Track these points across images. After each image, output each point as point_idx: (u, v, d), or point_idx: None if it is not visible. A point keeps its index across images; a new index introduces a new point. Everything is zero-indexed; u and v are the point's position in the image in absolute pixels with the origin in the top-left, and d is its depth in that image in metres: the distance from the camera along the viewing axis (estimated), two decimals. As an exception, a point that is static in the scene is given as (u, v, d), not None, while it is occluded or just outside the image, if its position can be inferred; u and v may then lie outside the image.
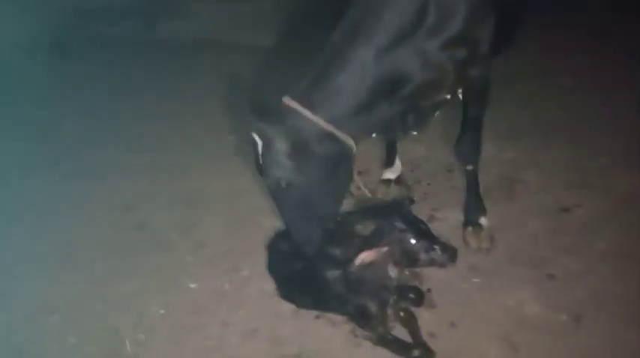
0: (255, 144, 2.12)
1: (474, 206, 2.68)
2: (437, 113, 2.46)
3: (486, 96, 2.39)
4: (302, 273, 2.34)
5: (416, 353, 2.11)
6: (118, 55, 5.47)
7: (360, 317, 2.19)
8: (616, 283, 2.33)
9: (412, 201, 2.86)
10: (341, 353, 2.18)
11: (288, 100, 2.08)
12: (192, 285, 2.58)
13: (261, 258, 2.59)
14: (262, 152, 2.09)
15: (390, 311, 2.23)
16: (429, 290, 2.40)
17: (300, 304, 2.37)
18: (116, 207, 3.16)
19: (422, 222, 2.34)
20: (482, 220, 2.65)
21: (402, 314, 2.25)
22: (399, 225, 2.25)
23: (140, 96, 4.58)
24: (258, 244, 2.66)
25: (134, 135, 3.97)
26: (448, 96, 2.33)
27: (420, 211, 2.82)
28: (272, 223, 2.74)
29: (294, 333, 2.28)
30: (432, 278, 2.44)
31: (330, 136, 2.09)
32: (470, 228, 2.64)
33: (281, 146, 2.05)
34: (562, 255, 2.52)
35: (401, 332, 2.19)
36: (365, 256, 2.14)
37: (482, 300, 2.35)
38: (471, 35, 2.15)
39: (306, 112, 2.05)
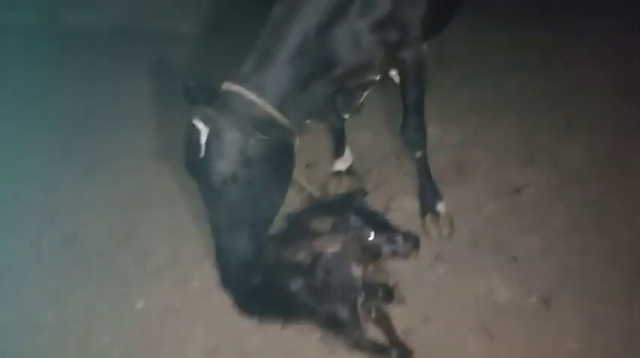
0: (195, 134, 1.84)
1: (428, 193, 2.63)
2: (365, 94, 2.48)
3: (422, 79, 2.34)
4: (261, 285, 2.13)
5: (394, 353, 2.01)
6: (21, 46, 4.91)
7: (332, 325, 2.06)
8: (577, 258, 2.36)
9: (365, 193, 2.77)
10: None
11: (230, 85, 1.89)
12: (139, 305, 2.32)
13: (213, 267, 2.36)
14: (208, 142, 1.83)
15: (361, 313, 2.10)
16: (396, 284, 2.30)
17: (262, 318, 2.18)
18: (41, 221, 2.78)
19: (378, 213, 2.22)
20: (439, 206, 2.61)
21: (373, 314, 2.13)
22: (355, 220, 2.11)
23: (55, 95, 4.12)
24: (207, 252, 2.43)
25: (51, 139, 3.56)
26: (377, 78, 2.29)
27: (375, 202, 2.74)
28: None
29: (261, 346, 2.12)
30: (398, 271, 2.33)
31: (276, 123, 1.93)
32: (428, 216, 2.58)
33: (232, 134, 1.83)
34: (521, 235, 2.51)
35: (375, 333, 2.09)
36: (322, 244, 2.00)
37: (451, 290, 2.29)
38: (401, 17, 2.10)
39: (252, 96, 1.87)
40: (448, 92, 3.66)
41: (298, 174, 2.25)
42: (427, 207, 2.61)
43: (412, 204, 2.73)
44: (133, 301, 2.33)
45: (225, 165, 1.84)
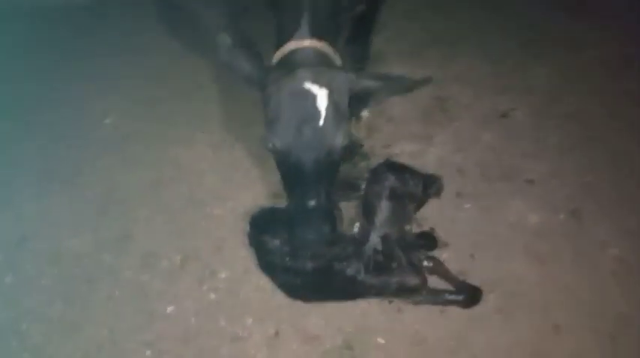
0: (309, 100, 1.72)
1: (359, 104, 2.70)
2: None
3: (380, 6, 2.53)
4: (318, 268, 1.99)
5: (464, 296, 2.00)
6: None
7: (402, 291, 1.98)
8: (587, 169, 2.47)
9: (361, 145, 2.70)
10: (385, 325, 1.98)
11: (300, 42, 1.85)
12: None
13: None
14: (329, 106, 1.73)
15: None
16: (433, 230, 2.27)
17: (320, 299, 2.05)
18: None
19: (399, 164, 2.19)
20: (364, 113, 2.79)
21: (427, 264, 2.09)
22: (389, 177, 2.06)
23: None
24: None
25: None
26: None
27: (375, 151, 2.67)
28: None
29: (322, 323, 2.03)
30: (428, 218, 2.32)
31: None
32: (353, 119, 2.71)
33: (345, 93, 1.80)
34: (526, 158, 2.59)
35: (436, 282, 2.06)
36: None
37: (484, 223, 2.32)
38: None
39: (327, 49, 1.88)
40: (404, 25, 3.55)
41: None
42: (355, 113, 2.72)
43: (410, 147, 2.68)
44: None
45: (345, 128, 1.77)
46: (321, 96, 1.73)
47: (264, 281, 2.16)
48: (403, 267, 1.93)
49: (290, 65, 1.79)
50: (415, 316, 2.01)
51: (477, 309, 2.01)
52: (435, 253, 2.17)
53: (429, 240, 2.21)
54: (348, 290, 1.98)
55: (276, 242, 2.04)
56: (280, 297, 2.10)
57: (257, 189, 2.56)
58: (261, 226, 2.17)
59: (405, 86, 1.94)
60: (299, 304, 2.07)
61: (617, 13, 3.33)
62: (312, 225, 1.77)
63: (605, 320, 1.96)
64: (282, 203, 2.19)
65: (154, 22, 3.71)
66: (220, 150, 2.81)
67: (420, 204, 2.18)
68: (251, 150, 2.76)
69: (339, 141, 1.76)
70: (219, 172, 2.70)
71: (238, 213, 2.44)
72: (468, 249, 2.21)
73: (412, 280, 1.94)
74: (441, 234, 2.27)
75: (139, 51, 3.46)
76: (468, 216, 2.35)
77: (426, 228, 2.29)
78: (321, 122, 1.73)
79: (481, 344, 1.93)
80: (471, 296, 2.01)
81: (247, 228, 2.21)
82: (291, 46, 1.84)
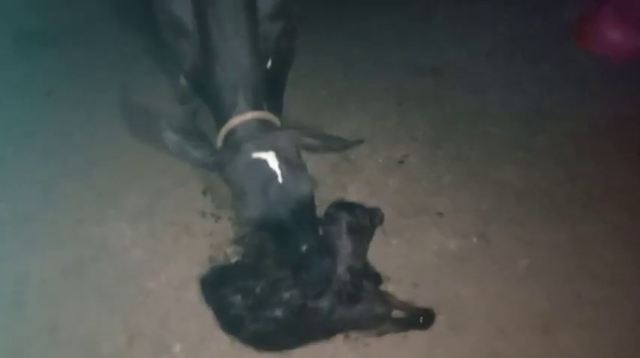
0: (261, 166, 1.88)
1: None
2: None
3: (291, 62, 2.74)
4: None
5: (420, 319, 2.16)
6: None
7: (374, 320, 2.08)
8: (481, 200, 2.87)
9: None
10: None
11: (242, 116, 1.99)
12: None
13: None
14: (281, 167, 1.89)
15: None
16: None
17: (295, 344, 2.06)
18: None
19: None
20: None
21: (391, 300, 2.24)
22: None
23: None
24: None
25: None
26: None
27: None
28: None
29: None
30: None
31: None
32: None
33: (294, 150, 1.97)
34: (430, 196, 2.92)
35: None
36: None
37: (414, 255, 2.55)
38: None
39: (267, 115, 2.04)
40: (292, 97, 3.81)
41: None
42: None
43: (330, 196, 2.85)
44: None
45: (305, 175, 1.93)
46: (271, 159, 1.89)
47: (225, 346, 2.10)
48: (371, 297, 2.04)
49: (235, 141, 1.93)
50: (382, 347, 2.12)
51: (433, 330, 2.19)
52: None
53: (375, 275, 2.35)
54: (324, 328, 2.02)
55: (237, 296, 2.02)
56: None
57: (187, 258, 2.51)
58: (216, 284, 2.13)
59: (342, 145, 2.18)
60: (267, 358, 2.04)
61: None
62: (313, 266, 1.89)
63: (535, 317, 2.27)
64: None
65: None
66: (138, 224, 2.69)
67: (370, 235, 2.33)
68: (170, 218, 2.70)
69: (305, 188, 1.91)
70: (142, 246, 2.59)
71: (175, 284, 2.35)
72: (409, 279, 2.41)
73: (380, 308, 2.05)
74: (380, 269, 2.43)
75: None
76: (397, 251, 2.57)
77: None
78: (280, 179, 1.88)
79: (445, 358, 2.10)
80: (427, 317, 2.18)
81: (200, 290, 2.16)
82: (234, 122, 1.97)
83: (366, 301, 2.06)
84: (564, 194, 2.84)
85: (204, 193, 2.92)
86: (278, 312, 1.97)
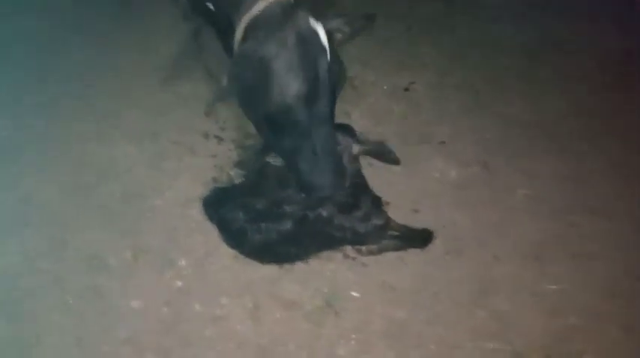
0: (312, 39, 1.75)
1: None
2: None
3: None
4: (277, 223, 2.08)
5: (417, 239, 2.24)
6: None
7: (373, 231, 2.14)
8: (484, 129, 2.88)
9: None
10: (355, 279, 2.13)
11: None
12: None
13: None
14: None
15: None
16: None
17: (296, 255, 2.14)
18: None
19: None
20: None
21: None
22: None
23: None
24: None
25: None
26: None
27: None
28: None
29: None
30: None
31: None
32: None
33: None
34: (434, 125, 2.92)
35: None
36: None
37: (416, 182, 2.59)
38: None
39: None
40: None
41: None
42: None
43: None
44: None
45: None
46: (322, 34, 1.78)
47: (229, 260, 2.17)
48: (370, 208, 2.10)
49: (267, 21, 1.76)
50: (379, 267, 2.20)
51: (429, 254, 2.27)
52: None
53: (375, 199, 2.40)
54: (325, 238, 2.09)
55: (239, 212, 2.07)
56: (249, 272, 2.14)
57: (191, 177, 2.53)
58: (217, 204, 2.18)
59: (364, 22, 2.01)
60: (270, 276, 2.13)
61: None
62: (330, 172, 1.87)
63: (529, 246, 2.35)
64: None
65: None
66: (142, 144, 2.70)
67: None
68: (174, 138, 2.70)
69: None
70: (147, 166, 2.60)
71: (181, 201, 2.39)
72: (409, 205, 2.46)
73: (379, 219, 2.12)
74: (380, 195, 2.47)
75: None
76: (400, 178, 2.60)
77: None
78: (328, 58, 1.78)
79: (440, 281, 2.19)
80: (424, 236, 2.25)
81: (202, 209, 2.21)
82: (258, 8, 1.80)
83: (365, 212, 2.10)
84: (568, 127, 2.84)
85: (206, 114, 2.89)
86: (279, 223, 2.03)
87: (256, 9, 1.79)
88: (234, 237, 2.12)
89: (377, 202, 2.35)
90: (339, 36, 1.94)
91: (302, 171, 1.90)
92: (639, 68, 3.20)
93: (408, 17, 3.68)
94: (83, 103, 2.85)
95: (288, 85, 1.74)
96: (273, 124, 1.87)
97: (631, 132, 2.83)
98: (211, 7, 2.19)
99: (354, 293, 2.11)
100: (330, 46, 1.82)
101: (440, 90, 3.13)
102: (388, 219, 2.25)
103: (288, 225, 2.03)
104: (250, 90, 1.84)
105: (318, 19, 1.81)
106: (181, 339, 1.94)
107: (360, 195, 2.13)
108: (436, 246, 2.29)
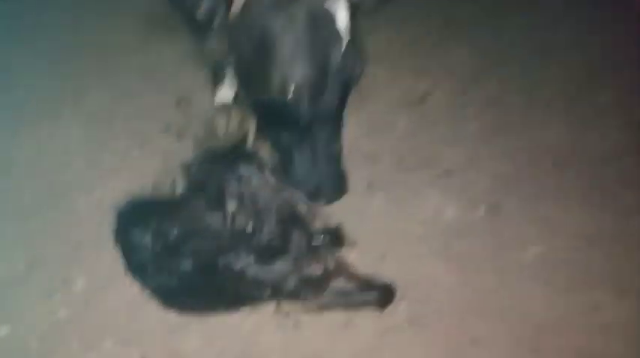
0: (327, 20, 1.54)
1: None
2: None
3: None
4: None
5: (375, 294, 1.70)
6: None
7: (306, 284, 1.64)
8: (506, 159, 2.27)
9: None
10: (279, 344, 1.64)
11: None
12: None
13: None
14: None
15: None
16: (340, 226, 1.96)
17: (202, 307, 1.67)
18: None
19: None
20: None
21: (330, 264, 1.77)
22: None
23: None
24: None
25: None
26: None
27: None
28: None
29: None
30: (336, 211, 1.99)
31: None
32: None
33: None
34: (444, 147, 2.34)
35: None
36: None
37: (398, 219, 2.06)
38: None
39: None
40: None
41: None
42: None
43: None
44: None
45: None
46: (341, 17, 1.55)
47: (131, 292, 1.74)
48: (303, 253, 1.60)
49: None
50: (315, 331, 1.69)
51: (386, 321, 1.72)
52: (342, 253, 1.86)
53: (335, 238, 1.88)
54: (238, 292, 1.61)
55: (147, 237, 1.64)
56: (149, 314, 1.69)
57: (134, 175, 2.12)
58: (131, 219, 1.75)
59: None
60: (175, 321, 1.68)
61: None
62: (330, 179, 1.69)
63: (527, 330, 1.74)
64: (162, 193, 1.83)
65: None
66: (89, 127, 2.34)
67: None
68: (128, 126, 2.32)
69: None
70: (88, 153, 2.24)
71: (105, 206, 1.99)
72: (378, 248, 1.92)
73: (316, 268, 1.61)
74: (348, 230, 1.95)
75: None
76: (379, 211, 2.07)
77: (331, 224, 1.96)
78: (344, 46, 1.57)
79: (391, 361, 1.64)
80: (384, 293, 1.72)
81: (114, 222, 1.80)
82: None
83: (295, 258, 1.60)
84: (613, 171, 2.15)
85: (178, 103, 2.49)
86: (183, 265, 1.57)
87: None
88: (136, 269, 1.68)
89: (336, 242, 1.84)
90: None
91: (297, 173, 1.72)
92: None
93: (447, 11, 3.08)
94: (45, 76, 2.53)
95: (292, 69, 1.54)
96: (269, 112, 1.70)
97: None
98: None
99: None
100: (351, 32, 1.60)
101: (461, 105, 2.53)
102: (339, 265, 1.73)
103: (192, 270, 1.56)
104: (248, 65, 1.67)
105: None
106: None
107: (289, 233, 1.62)
108: (397, 310, 1.74)
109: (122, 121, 2.38)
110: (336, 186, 1.73)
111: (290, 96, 1.57)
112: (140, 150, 2.26)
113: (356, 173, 2.05)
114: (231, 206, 1.60)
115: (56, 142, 2.30)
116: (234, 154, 1.91)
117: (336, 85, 1.61)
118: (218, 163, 1.82)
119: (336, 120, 1.72)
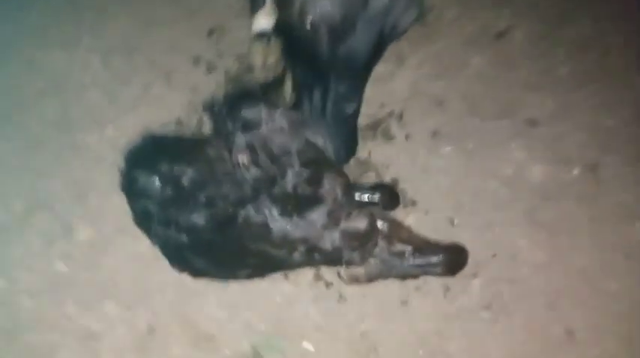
0: None
1: None
2: None
3: None
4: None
5: (441, 260, 1.34)
6: None
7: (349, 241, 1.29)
8: (607, 110, 1.87)
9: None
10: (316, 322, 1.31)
11: None
12: None
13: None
14: None
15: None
16: (396, 183, 1.60)
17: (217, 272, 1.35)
18: None
19: None
20: None
21: (382, 227, 1.41)
22: None
23: None
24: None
25: None
26: None
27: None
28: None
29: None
30: (392, 163, 1.64)
31: None
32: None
33: None
34: (527, 92, 1.94)
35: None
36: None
37: (470, 176, 1.69)
38: None
39: None
40: None
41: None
42: None
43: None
44: None
45: None
46: None
47: (141, 247, 1.44)
48: (341, 203, 1.25)
49: None
50: (361, 309, 1.35)
51: (454, 302, 1.37)
52: (396, 214, 1.51)
53: (387, 196, 1.53)
54: (263, 252, 1.27)
55: (155, 180, 1.33)
56: (164, 274, 1.39)
57: (152, 111, 1.88)
58: (142, 161, 1.44)
59: None
60: (190, 285, 1.37)
61: None
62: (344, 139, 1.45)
63: (637, 322, 1.35)
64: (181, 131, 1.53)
65: None
66: (111, 58, 2.06)
67: None
68: (152, 58, 2.03)
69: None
70: (104, 86, 1.98)
71: (117, 143, 1.71)
72: (444, 210, 1.59)
73: (359, 222, 1.26)
74: (407, 187, 1.60)
75: None
76: (447, 165, 1.73)
77: (385, 179, 1.61)
78: None
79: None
80: (453, 254, 1.36)
81: (123, 161, 1.50)
82: None
83: (328, 210, 1.25)
84: None
85: (210, 34, 2.17)
86: (191, 216, 1.25)
87: None
88: (141, 216, 1.37)
89: (391, 202, 1.49)
90: None
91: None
92: None
93: None
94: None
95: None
96: (290, 40, 1.58)
97: None
98: None
99: (307, 346, 1.28)
100: None
101: (551, 43, 2.09)
102: (392, 227, 1.38)
103: (200, 223, 1.23)
104: None
105: None
106: (23, 354, 1.27)
107: (318, 178, 1.27)
108: (469, 290, 1.37)
109: (145, 52, 2.09)
110: (341, 149, 1.47)
111: (308, 27, 1.42)
112: (163, 86, 1.98)
113: (419, 120, 1.73)
114: (239, 153, 1.28)
115: (72, 72, 2.04)
116: (266, 94, 1.60)
117: (367, 33, 1.42)
118: (239, 104, 1.49)
119: (358, 76, 1.51)
